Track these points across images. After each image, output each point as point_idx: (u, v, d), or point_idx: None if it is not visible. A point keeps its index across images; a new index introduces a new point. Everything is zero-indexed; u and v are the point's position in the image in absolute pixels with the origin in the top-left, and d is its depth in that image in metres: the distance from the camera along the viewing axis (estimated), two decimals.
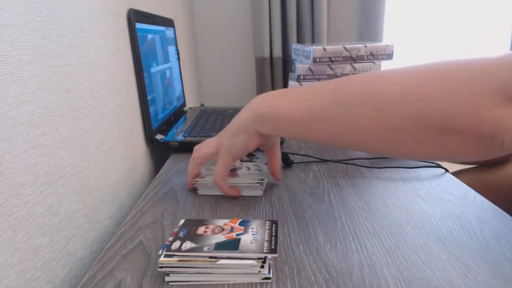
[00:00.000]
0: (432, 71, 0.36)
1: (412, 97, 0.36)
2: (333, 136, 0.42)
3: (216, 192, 0.57)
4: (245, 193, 0.57)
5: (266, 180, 0.60)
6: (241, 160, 0.65)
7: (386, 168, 0.66)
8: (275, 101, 0.46)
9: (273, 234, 0.40)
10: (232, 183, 0.57)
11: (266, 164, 0.63)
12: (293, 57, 1.22)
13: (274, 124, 0.47)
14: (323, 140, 0.44)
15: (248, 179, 0.57)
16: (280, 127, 0.46)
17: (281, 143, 0.80)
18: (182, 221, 0.43)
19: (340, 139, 0.42)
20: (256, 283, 0.37)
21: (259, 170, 0.60)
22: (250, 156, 0.68)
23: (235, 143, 0.51)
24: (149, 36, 0.83)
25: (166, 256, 0.37)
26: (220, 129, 0.85)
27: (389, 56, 1.04)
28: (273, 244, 0.38)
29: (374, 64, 1.03)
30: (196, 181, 0.58)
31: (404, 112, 0.36)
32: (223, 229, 0.41)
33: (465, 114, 0.34)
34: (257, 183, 0.56)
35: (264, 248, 0.37)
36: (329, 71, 1.04)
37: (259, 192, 0.57)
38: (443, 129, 0.35)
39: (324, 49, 1.01)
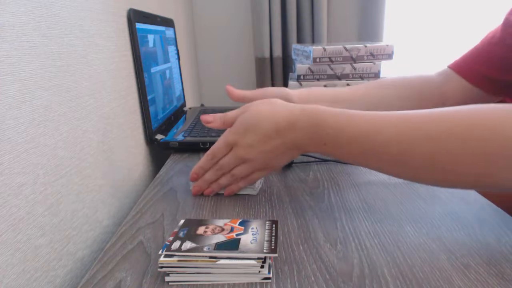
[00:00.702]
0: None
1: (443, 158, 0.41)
2: (381, 170, 0.47)
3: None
4: (239, 191, 0.57)
5: (262, 179, 0.60)
6: None
7: None
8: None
9: (273, 234, 0.40)
10: None
11: None
12: (293, 57, 1.22)
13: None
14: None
15: None
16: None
17: None
18: (182, 221, 0.43)
19: (385, 172, 0.46)
20: (256, 283, 0.37)
21: None
22: None
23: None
24: (149, 36, 0.83)
25: (166, 256, 0.37)
26: (220, 130, 0.84)
27: (389, 56, 1.04)
28: (273, 244, 0.38)
29: (374, 64, 1.03)
30: None
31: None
32: (223, 229, 0.41)
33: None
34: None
35: (264, 248, 0.37)
36: (329, 71, 1.04)
37: (253, 191, 0.57)
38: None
39: (324, 49, 1.02)
